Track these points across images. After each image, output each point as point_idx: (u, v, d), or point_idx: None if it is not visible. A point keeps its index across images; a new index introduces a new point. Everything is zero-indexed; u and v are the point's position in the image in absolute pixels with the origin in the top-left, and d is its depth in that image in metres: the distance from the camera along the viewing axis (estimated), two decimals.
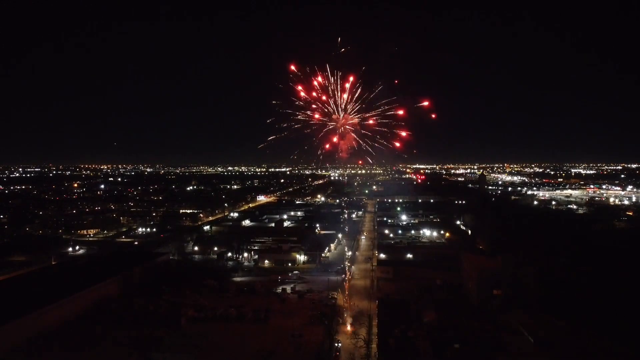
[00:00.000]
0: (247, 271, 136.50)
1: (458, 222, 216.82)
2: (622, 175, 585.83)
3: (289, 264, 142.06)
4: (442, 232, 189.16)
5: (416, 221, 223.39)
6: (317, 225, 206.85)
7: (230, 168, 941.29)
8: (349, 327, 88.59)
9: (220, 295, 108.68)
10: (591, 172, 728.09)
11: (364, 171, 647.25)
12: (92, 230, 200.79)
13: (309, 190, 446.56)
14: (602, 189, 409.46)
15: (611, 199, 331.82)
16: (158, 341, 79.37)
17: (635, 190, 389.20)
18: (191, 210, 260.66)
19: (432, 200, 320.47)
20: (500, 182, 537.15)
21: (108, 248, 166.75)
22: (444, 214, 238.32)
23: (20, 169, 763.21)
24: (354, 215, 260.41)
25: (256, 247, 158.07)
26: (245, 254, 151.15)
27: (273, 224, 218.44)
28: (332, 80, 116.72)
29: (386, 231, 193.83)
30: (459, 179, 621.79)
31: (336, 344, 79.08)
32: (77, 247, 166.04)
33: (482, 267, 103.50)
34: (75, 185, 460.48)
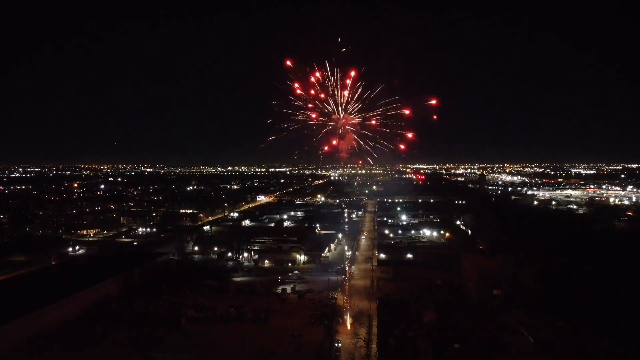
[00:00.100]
0: (247, 271, 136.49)
1: (458, 222, 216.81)
2: (622, 175, 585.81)
3: (289, 264, 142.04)
4: (442, 232, 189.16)
5: (416, 221, 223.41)
6: (317, 225, 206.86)
7: (230, 168, 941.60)
8: (349, 327, 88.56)
9: (220, 295, 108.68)
10: (591, 172, 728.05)
11: (364, 171, 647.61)
12: (92, 230, 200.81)
13: (309, 190, 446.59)
14: (602, 189, 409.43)
15: (611, 199, 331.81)
16: (158, 341, 79.37)
17: (635, 190, 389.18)
18: (191, 210, 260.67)
19: (432, 200, 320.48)
20: (500, 182, 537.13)
21: (108, 248, 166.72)
22: (444, 214, 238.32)
23: (20, 169, 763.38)
24: (354, 215, 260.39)
25: (256, 247, 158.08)
26: (245, 254, 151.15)
27: (273, 224, 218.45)
28: (332, 79, 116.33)
29: (386, 231, 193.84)
30: (459, 179, 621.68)
31: (336, 344, 79.07)
32: (77, 247, 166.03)
33: (482, 267, 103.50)
34: (75, 185, 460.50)
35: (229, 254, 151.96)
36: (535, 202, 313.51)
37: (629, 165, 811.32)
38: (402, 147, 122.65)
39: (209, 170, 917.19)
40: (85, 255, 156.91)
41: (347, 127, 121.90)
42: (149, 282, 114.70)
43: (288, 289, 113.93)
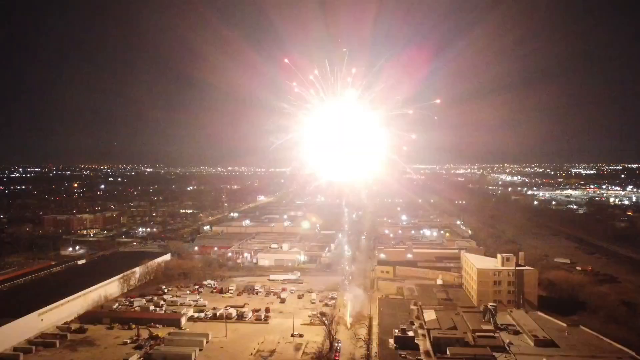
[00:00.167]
0: (247, 271, 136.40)
1: (458, 222, 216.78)
2: (622, 175, 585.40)
3: (289, 264, 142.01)
4: (442, 232, 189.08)
5: (416, 221, 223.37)
6: (317, 225, 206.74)
7: (230, 168, 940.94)
8: (349, 327, 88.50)
9: (220, 295, 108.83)
10: (591, 172, 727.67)
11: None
12: (92, 230, 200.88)
13: (309, 190, 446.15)
14: (602, 189, 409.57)
15: (611, 199, 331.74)
16: (158, 341, 79.54)
17: (635, 190, 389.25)
18: (191, 210, 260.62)
19: (432, 200, 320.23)
20: (500, 182, 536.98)
21: (108, 248, 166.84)
22: (443, 214, 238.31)
23: (20, 169, 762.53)
24: (354, 215, 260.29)
25: (256, 247, 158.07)
26: (245, 254, 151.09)
27: (273, 224, 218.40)
28: (332, 79, 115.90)
29: (386, 231, 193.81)
30: (459, 179, 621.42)
31: (336, 344, 79.05)
32: (77, 247, 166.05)
33: (482, 267, 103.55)
34: (75, 185, 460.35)
35: (229, 254, 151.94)
36: (535, 202, 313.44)
37: (629, 165, 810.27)
38: (405, 148, 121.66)
39: (209, 170, 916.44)
40: (85, 255, 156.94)
41: (348, 127, 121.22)
42: (149, 282, 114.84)
43: (288, 289, 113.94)
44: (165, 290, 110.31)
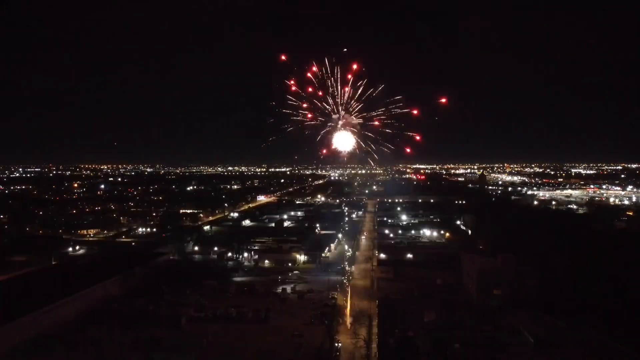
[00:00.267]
0: (247, 271, 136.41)
1: (458, 222, 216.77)
2: (622, 175, 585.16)
3: (289, 264, 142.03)
4: (442, 232, 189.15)
5: (416, 221, 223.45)
6: (317, 225, 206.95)
7: (230, 168, 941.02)
8: (349, 327, 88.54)
9: (220, 295, 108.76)
10: (591, 172, 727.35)
11: (364, 171, 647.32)
12: (92, 230, 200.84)
13: (309, 190, 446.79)
14: (602, 189, 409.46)
15: (611, 199, 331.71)
16: (158, 341, 79.44)
17: (635, 190, 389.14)
18: (191, 210, 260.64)
19: (432, 200, 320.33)
20: (500, 182, 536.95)
21: (108, 248, 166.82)
22: (444, 214, 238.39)
23: (20, 169, 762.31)
24: (354, 215, 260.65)
25: (256, 247, 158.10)
26: (245, 254, 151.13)
27: (273, 224, 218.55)
28: (332, 79, 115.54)
29: (386, 231, 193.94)
30: (459, 179, 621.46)
31: (336, 344, 79.09)
32: (77, 247, 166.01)
33: (482, 267, 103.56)
34: (75, 185, 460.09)
35: (229, 254, 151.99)
36: (535, 202, 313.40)
37: (629, 165, 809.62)
38: (408, 150, 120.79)
39: (209, 170, 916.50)
40: (85, 255, 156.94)
41: (348, 127, 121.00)
42: (149, 282, 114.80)
43: (288, 289, 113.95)
44: (165, 291, 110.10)
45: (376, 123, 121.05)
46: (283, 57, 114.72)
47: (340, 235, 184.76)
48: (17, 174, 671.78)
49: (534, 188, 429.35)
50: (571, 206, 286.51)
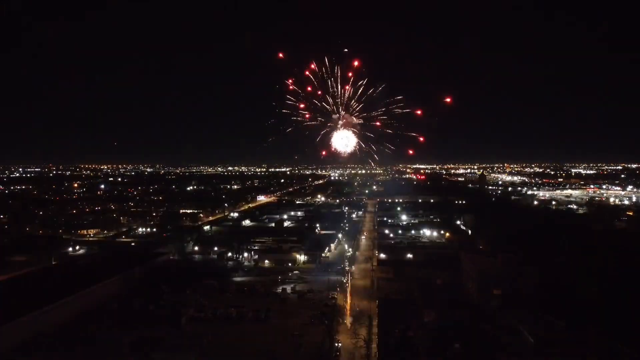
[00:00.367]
0: (247, 271, 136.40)
1: (458, 222, 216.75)
2: (622, 175, 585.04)
3: (289, 264, 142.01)
4: (442, 232, 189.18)
5: (416, 221, 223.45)
6: (317, 225, 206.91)
7: (230, 168, 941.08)
8: (349, 327, 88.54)
9: (220, 295, 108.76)
10: (591, 172, 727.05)
11: (364, 171, 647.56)
12: (92, 230, 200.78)
13: (309, 190, 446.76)
14: (602, 189, 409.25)
15: (611, 199, 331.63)
16: (158, 341, 79.45)
17: (635, 190, 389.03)
18: (191, 210, 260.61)
19: (432, 200, 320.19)
20: (500, 182, 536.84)
21: (108, 248, 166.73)
22: (444, 214, 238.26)
23: (20, 169, 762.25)
24: (354, 215, 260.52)
25: (256, 247, 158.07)
26: (245, 254, 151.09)
27: (273, 224, 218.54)
28: (332, 78, 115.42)
29: (386, 231, 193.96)
30: (459, 179, 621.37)
31: (336, 344, 79.08)
32: (77, 247, 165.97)
33: (482, 267, 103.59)
34: (75, 185, 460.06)
35: (229, 254, 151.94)
36: (535, 202, 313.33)
37: (629, 165, 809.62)
38: (411, 152, 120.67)
39: (209, 170, 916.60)
40: (85, 255, 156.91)
41: (348, 127, 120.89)
42: (149, 282, 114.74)
43: (288, 289, 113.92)
44: (165, 290, 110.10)
45: (377, 123, 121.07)
46: (280, 55, 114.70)
47: (340, 235, 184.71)
48: (17, 174, 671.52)
49: (534, 188, 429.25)
50: (571, 206, 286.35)
